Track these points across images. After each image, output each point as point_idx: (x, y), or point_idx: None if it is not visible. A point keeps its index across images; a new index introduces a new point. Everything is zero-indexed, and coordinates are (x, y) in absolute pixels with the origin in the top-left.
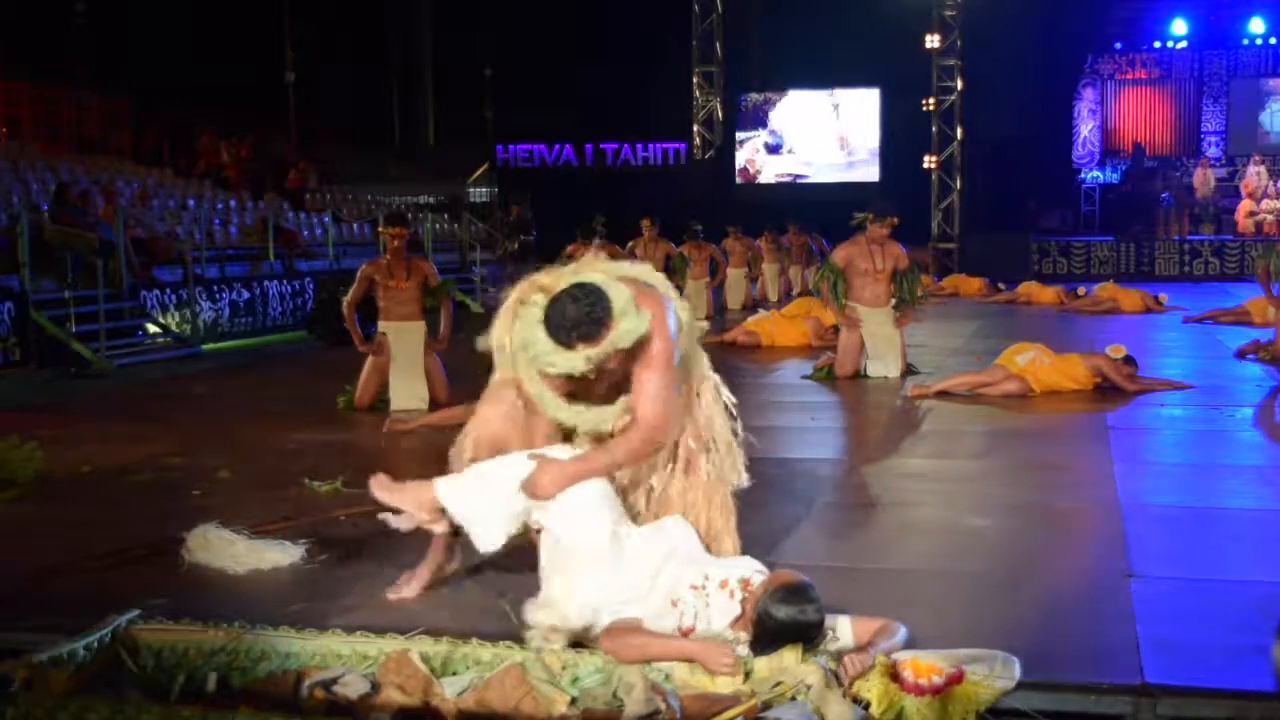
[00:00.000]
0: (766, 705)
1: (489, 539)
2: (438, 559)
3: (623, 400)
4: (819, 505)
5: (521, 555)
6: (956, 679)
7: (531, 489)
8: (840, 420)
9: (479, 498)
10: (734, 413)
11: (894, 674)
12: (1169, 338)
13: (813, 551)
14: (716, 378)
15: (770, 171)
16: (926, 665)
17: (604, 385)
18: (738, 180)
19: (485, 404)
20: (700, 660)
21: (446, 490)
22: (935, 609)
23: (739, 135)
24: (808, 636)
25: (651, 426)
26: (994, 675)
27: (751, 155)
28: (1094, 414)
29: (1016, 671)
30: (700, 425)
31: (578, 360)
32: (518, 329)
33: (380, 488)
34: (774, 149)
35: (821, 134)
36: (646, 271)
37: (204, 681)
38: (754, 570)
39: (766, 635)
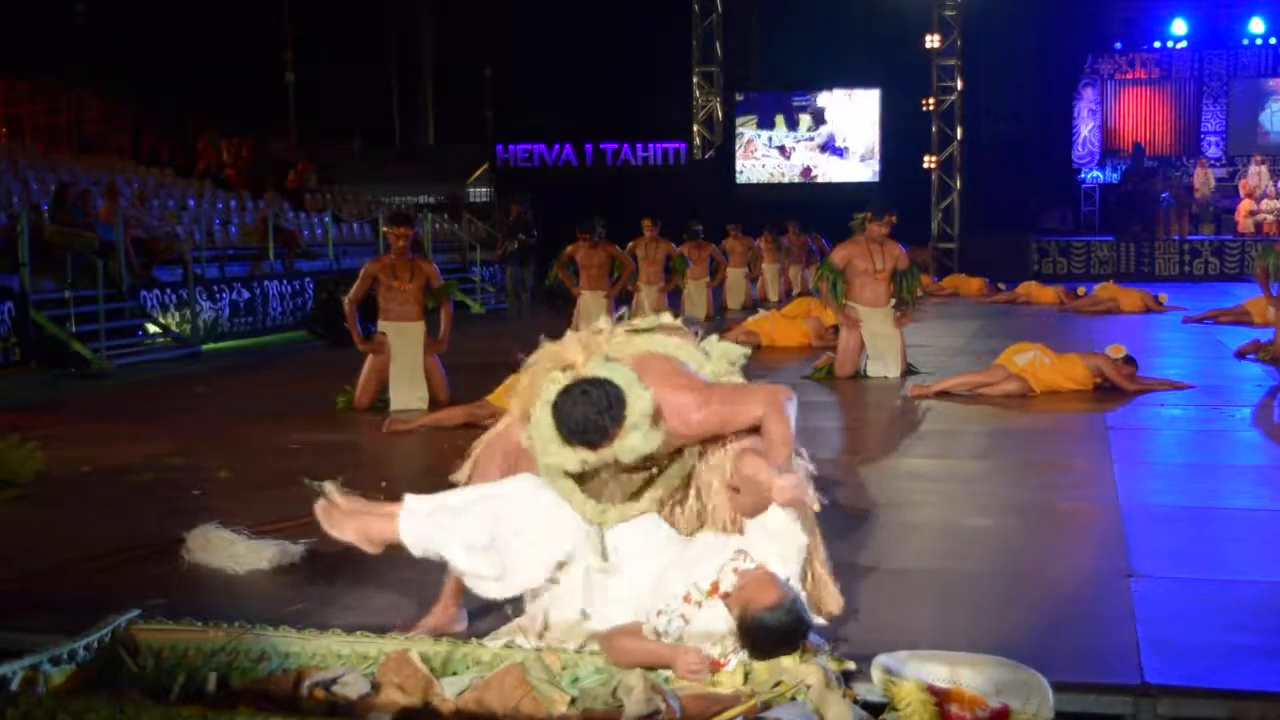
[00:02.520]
0: (766, 705)
1: (488, 589)
2: (447, 614)
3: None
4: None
5: None
6: (1002, 714)
7: (776, 493)
8: (840, 420)
9: (448, 537)
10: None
11: (939, 705)
12: (1169, 338)
13: None
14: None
15: (833, 172)
16: (970, 698)
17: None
18: (737, 179)
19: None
20: (671, 665)
21: (411, 528)
22: (936, 609)
23: (792, 135)
24: (801, 637)
25: (770, 403)
26: (1038, 715)
27: (809, 158)
28: (1094, 414)
29: (1050, 697)
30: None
31: (572, 460)
32: (536, 406)
33: (326, 517)
34: (834, 150)
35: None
36: (679, 345)
37: (204, 681)
38: (723, 568)
39: (761, 645)
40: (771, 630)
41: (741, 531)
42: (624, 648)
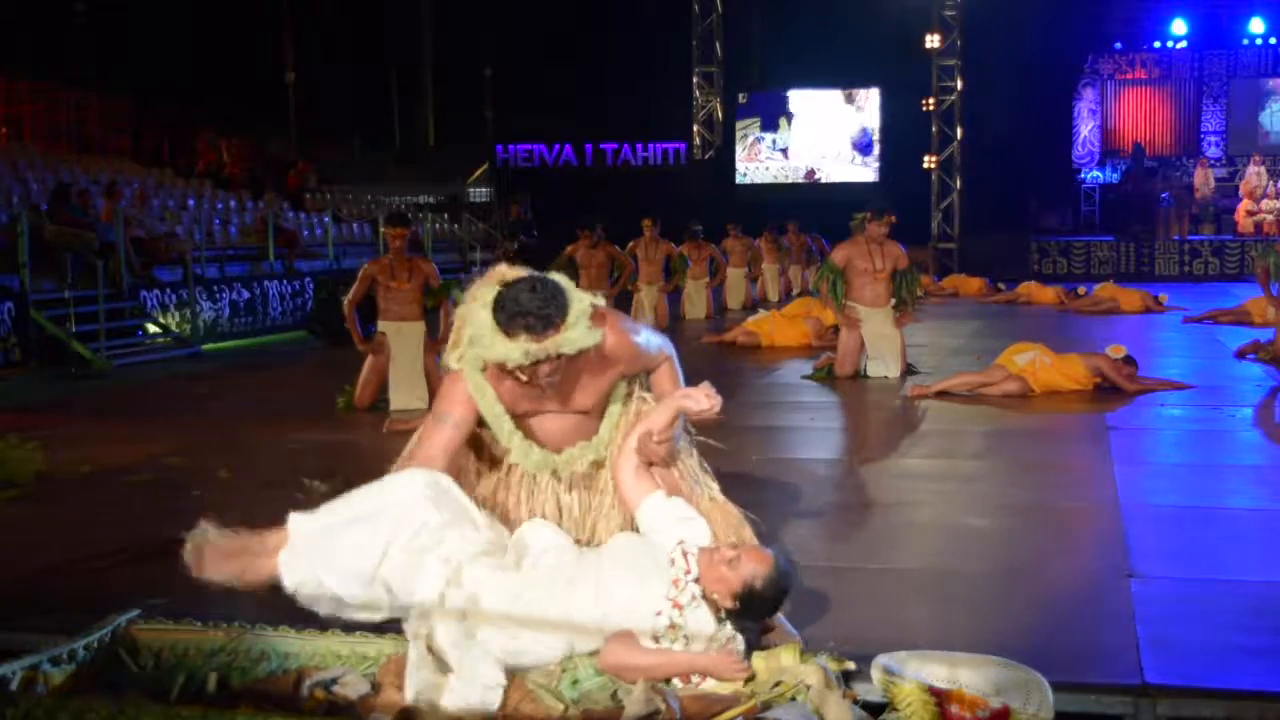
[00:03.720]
0: (766, 705)
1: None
2: None
3: (583, 444)
4: (819, 505)
5: None
6: (1003, 715)
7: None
8: (840, 420)
9: (332, 575)
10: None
11: (939, 705)
12: (1169, 338)
13: (813, 551)
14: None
15: (834, 172)
16: (971, 698)
17: (549, 402)
18: (737, 179)
19: (426, 439)
20: (713, 673)
21: (292, 568)
22: (936, 609)
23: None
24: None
25: (665, 354)
26: (1038, 715)
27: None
28: (1094, 414)
29: (1050, 697)
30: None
31: (515, 351)
32: (470, 320)
33: (196, 560)
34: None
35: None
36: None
37: (204, 681)
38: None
39: (760, 609)
40: (768, 593)
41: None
42: (642, 665)
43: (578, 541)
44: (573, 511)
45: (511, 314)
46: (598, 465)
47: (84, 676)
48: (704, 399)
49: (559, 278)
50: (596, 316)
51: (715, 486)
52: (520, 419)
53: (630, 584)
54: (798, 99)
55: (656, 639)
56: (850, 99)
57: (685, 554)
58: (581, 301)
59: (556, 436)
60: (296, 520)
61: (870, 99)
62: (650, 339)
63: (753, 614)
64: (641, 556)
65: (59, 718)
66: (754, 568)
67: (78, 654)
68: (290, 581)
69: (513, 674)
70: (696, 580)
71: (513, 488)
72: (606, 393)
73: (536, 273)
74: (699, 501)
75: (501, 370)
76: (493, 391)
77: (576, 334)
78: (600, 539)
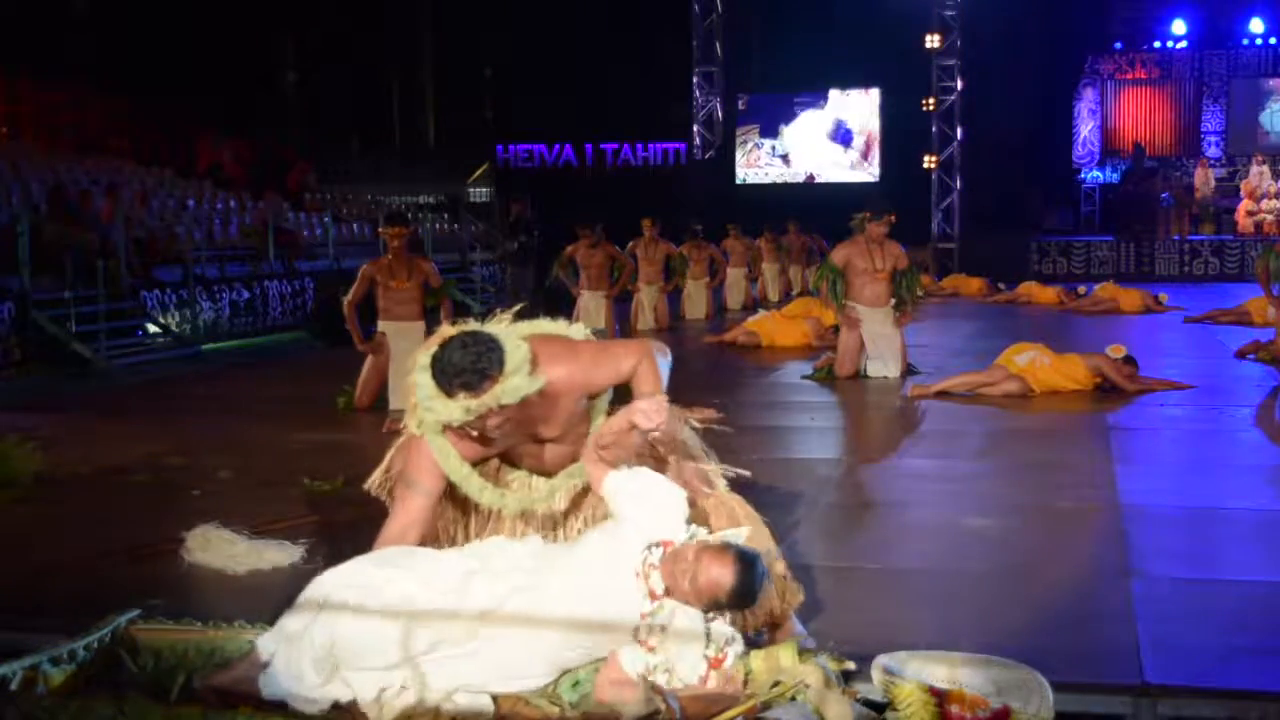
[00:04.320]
0: (766, 705)
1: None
2: None
3: (555, 481)
4: (819, 505)
5: None
6: (1003, 715)
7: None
8: (840, 420)
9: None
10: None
11: (939, 705)
12: (1169, 338)
13: (813, 551)
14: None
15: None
16: (971, 698)
17: (498, 448)
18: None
19: (399, 510)
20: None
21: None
22: (936, 609)
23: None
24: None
25: (642, 354)
26: (1039, 715)
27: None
28: (1094, 414)
29: (1050, 697)
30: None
31: (456, 410)
32: (416, 386)
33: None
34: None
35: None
36: (559, 326)
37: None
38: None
39: (734, 606)
40: (736, 591)
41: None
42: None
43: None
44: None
45: (446, 374)
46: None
47: (84, 676)
48: (652, 416)
49: (495, 328)
50: (539, 359)
51: (722, 482)
52: (500, 459)
53: (605, 603)
54: (798, 105)
55: (648, 647)
56: (820, 103)
57: (648, 572)
58: (519, 350)
59: (539, 466)
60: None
61: (849, 98)
62: (611, 352)
63: (732, 609)
64: (609, 576)
65: (59, 718)
66: (714, 575)
67: (78, 654)
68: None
69: None
70: (667, 593)
71: (505, 519)
72: (575, 414)
73: (469, 329)
74: (704, 499)
75: (455, 430)
76: (456, 454)
77: (515, 383)
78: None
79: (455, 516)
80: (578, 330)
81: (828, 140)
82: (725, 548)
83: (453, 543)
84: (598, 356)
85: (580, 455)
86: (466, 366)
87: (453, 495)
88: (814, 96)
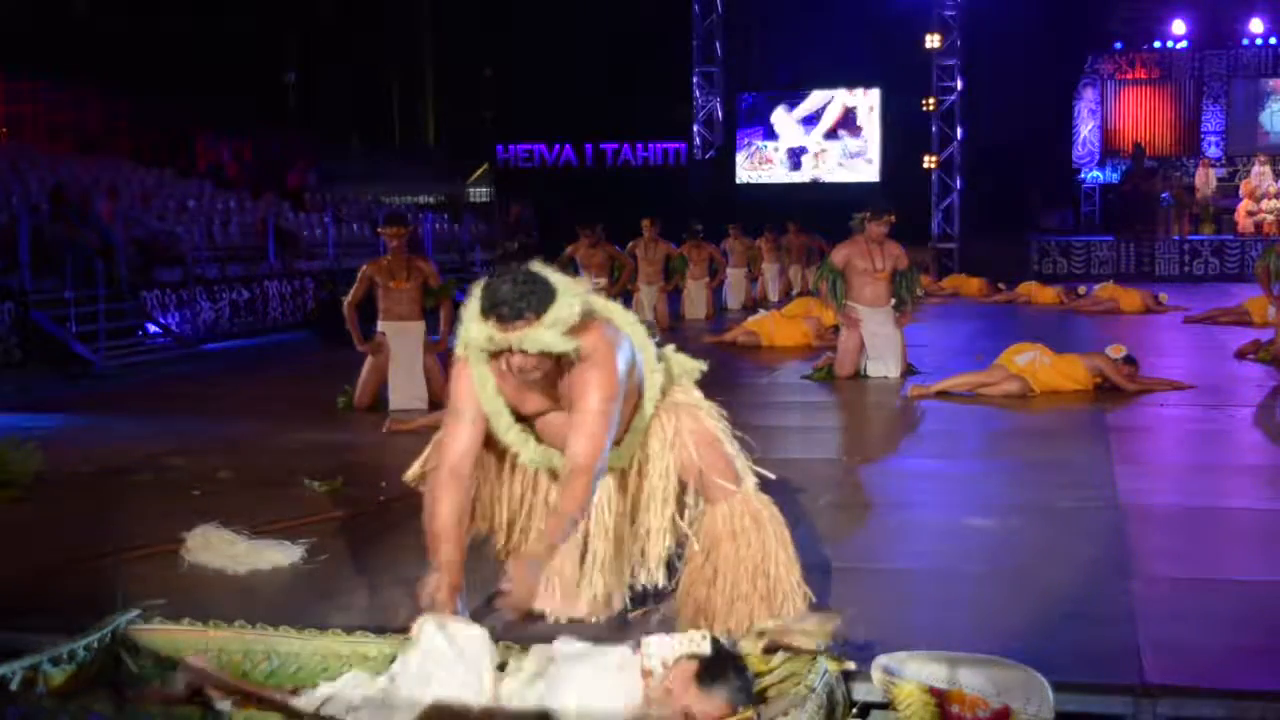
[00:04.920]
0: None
1: None
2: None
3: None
4: (819, 505)
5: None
6: (1003, 715)
7: (519, 601)
8: (840, 420)
9: None
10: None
11: (939, 705)
12: (1169, 338)
13: (813, 552)
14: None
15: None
16: (971, 698)
17: (537, 396)
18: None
19: (449, 436)
20: None
21: None
22: (936, 609)
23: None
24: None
25: (583, 468)
26: (1039, 715)
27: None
28: (1094, 414)
29: (1050, 697)
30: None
31: (482, 333)
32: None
33: None
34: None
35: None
36: (622, 314)
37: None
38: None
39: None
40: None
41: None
42: None
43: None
44: (603, 514)
45: (489, 299)
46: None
47: (84, 677)
48: (517, 602)
49: (565, 280)
50: (584, 329)
51: (751, 480)
52: (529, 420)
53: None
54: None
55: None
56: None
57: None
58: (568, 307)
59: (563, 440)
60: None
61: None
62: (588, 425)
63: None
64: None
65: (59, 718)
66: (687, 701)
67: (78, 654)
68: None
69: None
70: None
71: (540, 490)
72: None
73: (540, 267)
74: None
75: (495, 360)
76: (494, 383)
77: (542, 335)
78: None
79: (493, 494)
80: (628, 319)
81: (828, 140)
82: (692, 664)
83: (490, 522)
84: (590, 418)
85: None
86: (506, 299)
87: (489, 470)
88: (815, 96)
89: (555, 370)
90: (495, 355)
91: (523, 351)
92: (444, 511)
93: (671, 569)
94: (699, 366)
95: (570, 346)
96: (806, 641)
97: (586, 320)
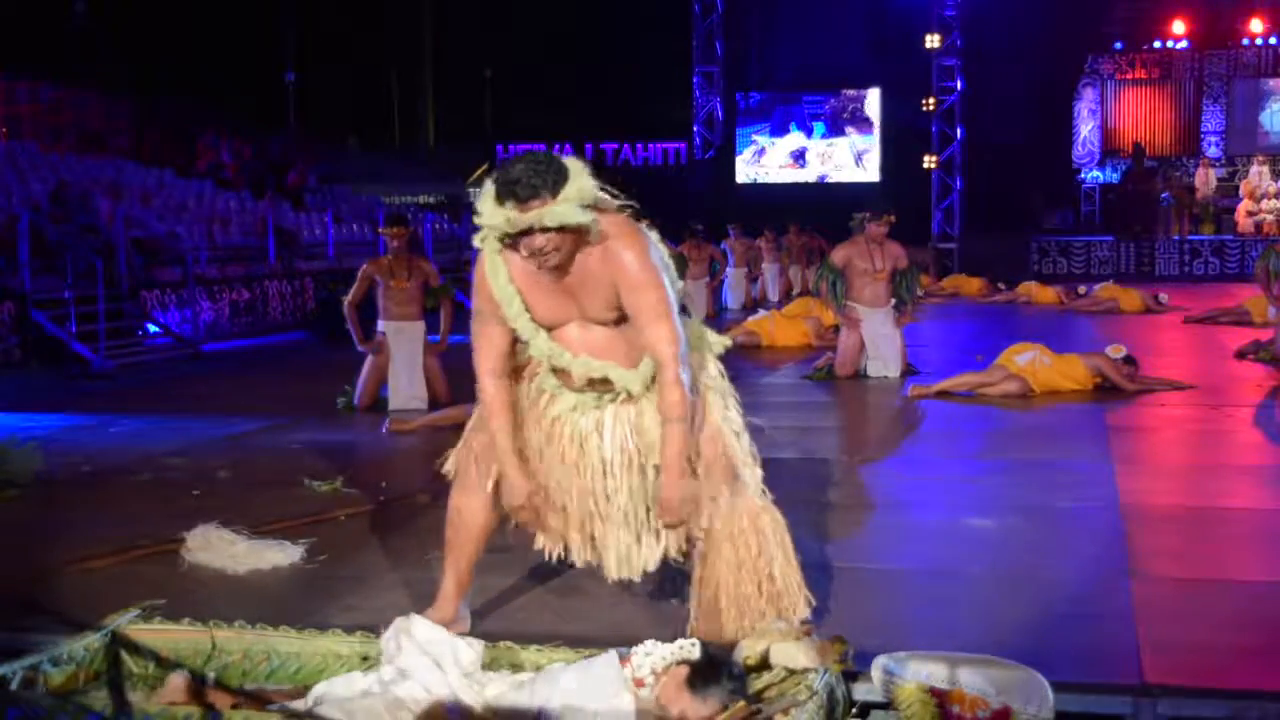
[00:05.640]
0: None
1: None
2: (448, 609)
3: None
4: (819, 505)
5: (523, 553)
6: (1004, 714)
7: (670, 510)
8: (840, 420)
9: None
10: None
11: (939, 706)
12: (1169, 338)
13: (813, 551)
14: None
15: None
16: (972, 699)
17: (552, 300)
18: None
19: (480, 344)
20: None
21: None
22: (935, 609)
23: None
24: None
25: (669, 357)
26: (1039, 715)
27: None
28: (1094, 414)
29: (1050, 697)
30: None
31: (499, 217)
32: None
33: None
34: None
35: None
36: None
37: (203, 681)
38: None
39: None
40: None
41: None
42: None
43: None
44: (614, 473)
45: (503, 181)
46: (629, 399)
47: (84, 677)
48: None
49: (577, 162)
50: (604, 212)
51: (756, 494)
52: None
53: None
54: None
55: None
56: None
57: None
58: (583, 184)
59: (580, 349)
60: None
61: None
62: (659, 325)
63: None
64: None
65: (58, 718)
66: (681, 707)
67: (78, 654)
68: None
69: None
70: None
71: (555, 441)
72: (619, 306)
73: (547, 154)
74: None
75: (512, 250)
76: (506, 271)
77: (563, 209)
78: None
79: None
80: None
81: (827, 141)
82: (682, 669)
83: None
84: (650, 286)
85: (615, 354)
86: (521, 177)
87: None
88: (814, 96)
89: (574, 262)
90: (512, 245)
91: (544, 229)
92: (497, 410)
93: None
94: (723, 341)
95: (589, 218)
96: (807, 663)
97: (613, 215)
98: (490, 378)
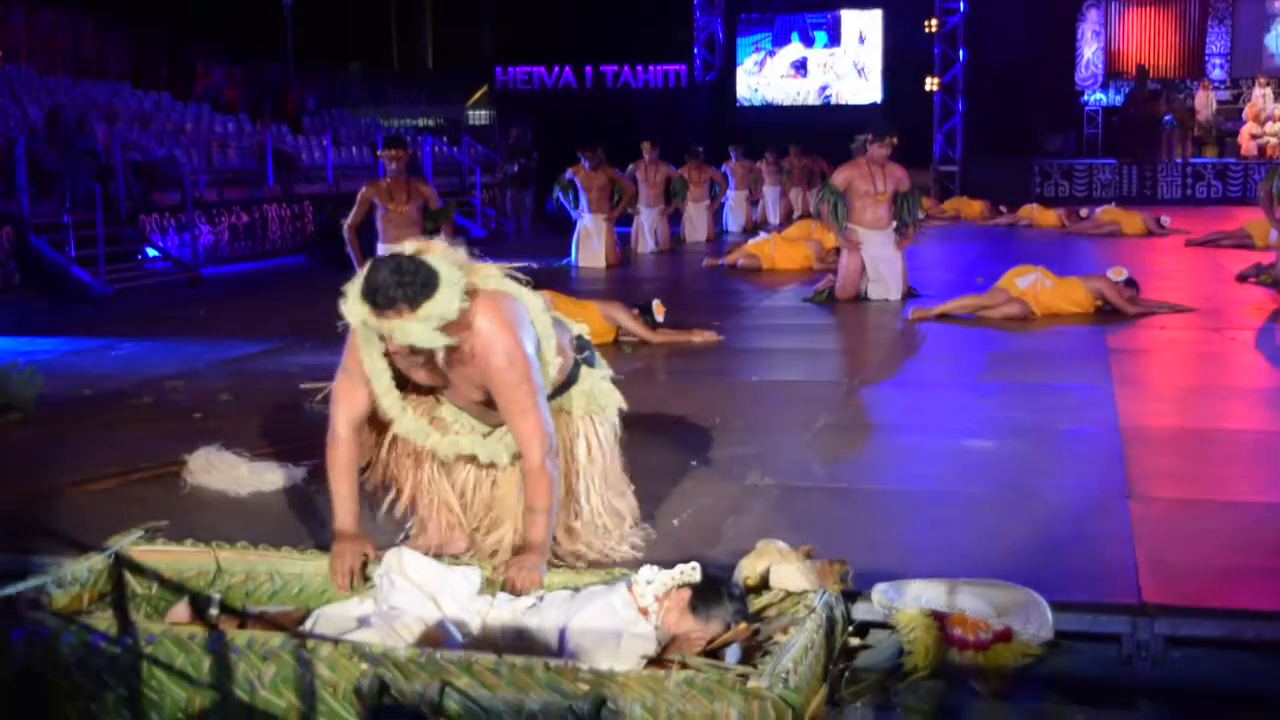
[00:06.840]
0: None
1: None
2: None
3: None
4: (819, 427)
5: None
6: (1005, 635)
7: (523, 589)
8: (841, 343)
9: None
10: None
11: (941, 628)
12: (1170, 261)
13: (812, 473)
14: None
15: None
16: (973, 621)
17: (426, 374)
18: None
19: (339, 397)
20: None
21: None
22: (935, 530)
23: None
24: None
25: (538, 458)
26: (1039, 635)
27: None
28: (1095, 337)
29: (1049, 617)
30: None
31: (357, 313)
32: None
33: None
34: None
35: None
36: (533, 300)
37: (207, 603)
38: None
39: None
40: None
41: None
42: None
43: (474, 530)
44: (480, 493)
45: (367, 283)
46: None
47: (87, 598)
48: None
49: (453, 272)
50: (478, 311)
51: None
52: (416, 394)
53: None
54: (800, 26)
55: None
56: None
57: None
58: (449, 303)
59: (457, 401)
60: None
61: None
62: (523, 404)
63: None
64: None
65: (63, 640)
66: (685, 630)
67: (82, 575)
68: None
69: None
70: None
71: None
72: (476, 390)
73: (425, 257)
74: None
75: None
76: (380, 349)
77: (412, 328)
78: (500, 537)
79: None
80: (538, 305)
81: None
82: (685, 591)
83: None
84: (515, 385)
85: (492, 415)
86: (381, 285)
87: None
88: (818, 16)
89: (447, 358)
90: None
91: (394, 340)
92: (341, 473)
93: None
94: (616, 403)
95: (441, 344)
96: (806, 585)
97: (486, 298)
98: (346, 428)
